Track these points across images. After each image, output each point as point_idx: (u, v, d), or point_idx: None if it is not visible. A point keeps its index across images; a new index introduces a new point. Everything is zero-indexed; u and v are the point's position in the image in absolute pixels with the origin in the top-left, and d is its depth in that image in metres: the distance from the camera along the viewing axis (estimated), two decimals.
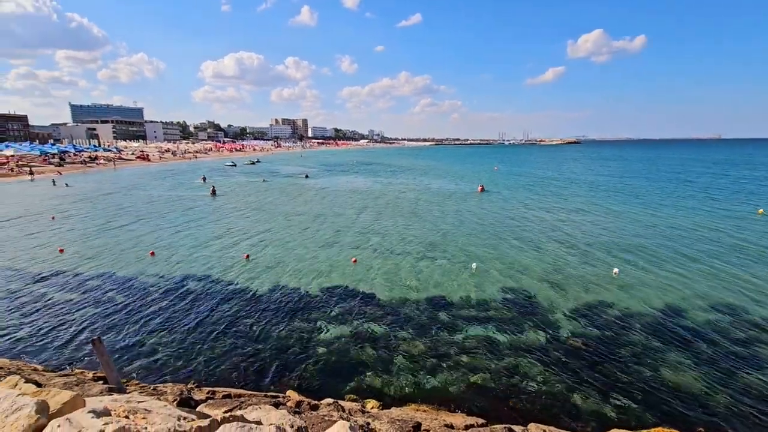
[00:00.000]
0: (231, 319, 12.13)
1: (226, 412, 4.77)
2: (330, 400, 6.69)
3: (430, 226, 24.42)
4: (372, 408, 7.49)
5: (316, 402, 7.19)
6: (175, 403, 5.33)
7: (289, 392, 7.76)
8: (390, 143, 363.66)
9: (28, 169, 60.45)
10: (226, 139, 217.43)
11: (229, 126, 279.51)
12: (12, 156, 64.92)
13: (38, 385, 3.85)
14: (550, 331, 11.48)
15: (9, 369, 8.40)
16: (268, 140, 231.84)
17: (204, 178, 51.78)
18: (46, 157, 73.21)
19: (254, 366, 9.66)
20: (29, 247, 20.03)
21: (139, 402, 4.16)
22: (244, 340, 10.90)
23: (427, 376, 9.30)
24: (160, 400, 5.10)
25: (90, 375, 8.01)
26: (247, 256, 17.91)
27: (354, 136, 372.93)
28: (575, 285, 14.85)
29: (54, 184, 46.60)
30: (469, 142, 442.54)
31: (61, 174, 58.52)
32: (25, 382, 3.18)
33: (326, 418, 5.46)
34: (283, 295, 13.93)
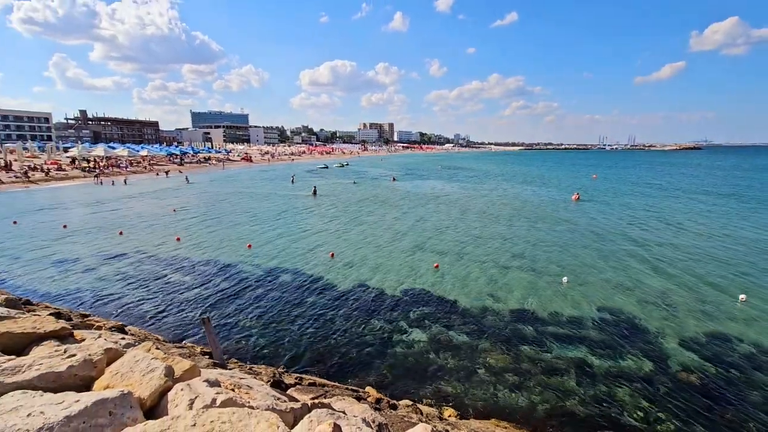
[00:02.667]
0: (316, 311, 12.84)
1: (313, 398, 5.06)
2: (408, 402, 6.72)
3: (518, 234, 23.25)
4: (450, 416, 7.35)
5: (394, 402, 7.28)
6: (269, 383, 5.80)
7: (369, 388, 7.96)
8: (476, 148, 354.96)
9: (165, 169, 70.81)
10: (317, 142, 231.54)
11: (321, 130, 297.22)
12: (145, 156, 76.57)
13: (164, 352, 4.39)
14: (656, 361, 10.17)
15: (140, 337, 9.89)
16: (356, 144, 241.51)
17: (293, 179, 55.62)
18: (171, 157, 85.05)
19: (336, 358, 10.09)
20: (155, 234, 23.45)
21: (241, 378, 4.60)
22: (328, 333, 11.45)
23: (510, 393, 8.85)
24: (257, 379, 5.59)
25: (198, 349, 9.08)
26: (333, 254, 18.81)
27: (439, 141, 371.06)
28: (688, 311, 12.97)
29: (187, 181, 53.58)
30: (563, 146, 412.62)
31: (181, 172, 67.52)
32: (156, 349, 3.71)
33: (405, 418, 5.50)
34: (364, 294, 14.36)
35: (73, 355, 3.34)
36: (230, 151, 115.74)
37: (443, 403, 8.33)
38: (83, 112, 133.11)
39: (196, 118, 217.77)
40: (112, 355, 3.71)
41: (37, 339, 4.09)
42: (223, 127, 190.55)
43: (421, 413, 6.18)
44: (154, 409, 3.00)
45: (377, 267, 17.22)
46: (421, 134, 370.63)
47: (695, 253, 19.27)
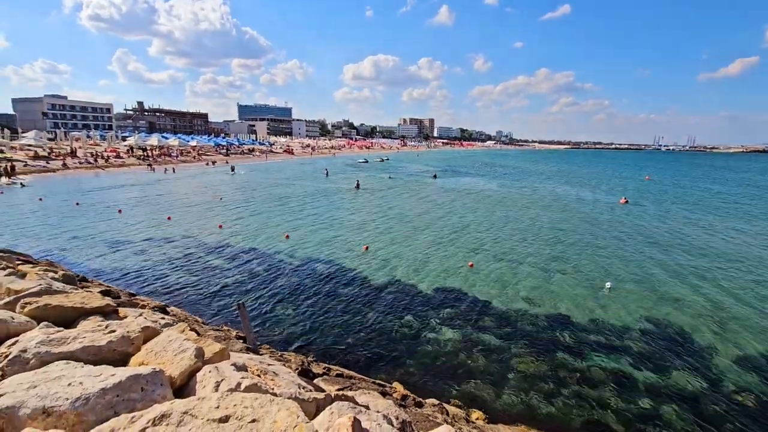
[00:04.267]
0: (348, 303, 12.96)
1: (338, 390, 5.08)
2: (435, 401, 6.62)
3: (559, 236, 22.32)
4: (477, 419, 7.18)
5: (420, 399, 7.20)
6: (296, 372, 5.89)
7: (395, 384, 7.93)
8: (519, 145, 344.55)
9: (212, 159, 74.22)
10: (357, 137, 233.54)
11: (361, 125, 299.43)
12: (195, 146, 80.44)
13: (198, 334, 4.54)
14: (708, 379, 9.43)
15: (179, 317, 10.39)
16: (395, 139, 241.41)
17: (327, 172, 56.32)
18: (218, 148, 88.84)
19: (365, 351, 10.14)
20: (200, 220, 24.60)
21: (269, 365, 4.68)
22: (359, 325, 11.52)
23: (542, 401, 8.51)
24: (285, 366, 5.70)
25: (234, 333, 9.41)
26: (367, 248, 18.90)
27: (480, 137, 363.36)
28: (745, 326, 11.92)
29: (232, 171, 55.85)
30: (613, 146, 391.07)
31: (227, 162, 70.39)
32: (189, 330, 3.84)
33: (430, 417, 5.41)
34: (396, 289, 14.33)
35: (114, 331, 3.51)
36: (273, 144, 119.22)
37: (472, 406, 8.16)
38: (140, 104, 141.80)
39: (243, 111, 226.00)
40: (149, 333, 3.88)
41: (85, 314, 4.36)
42: (268, 120, 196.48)
43: (447, 413, 6.06)
44: (183, 388, 3.10)
45: (411, 262, 17.12)
46: (462, 130, 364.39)
47: (755, 267, 17.67)
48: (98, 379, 2.68)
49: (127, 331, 3.53)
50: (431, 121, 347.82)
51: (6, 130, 61.41)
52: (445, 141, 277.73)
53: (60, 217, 24.39)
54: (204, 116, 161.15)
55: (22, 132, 68.18)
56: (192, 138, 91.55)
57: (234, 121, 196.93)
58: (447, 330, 11.45)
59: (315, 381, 5.72)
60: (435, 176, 57.40)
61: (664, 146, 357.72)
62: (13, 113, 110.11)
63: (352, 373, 7.53)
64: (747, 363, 10.13)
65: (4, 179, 37.73)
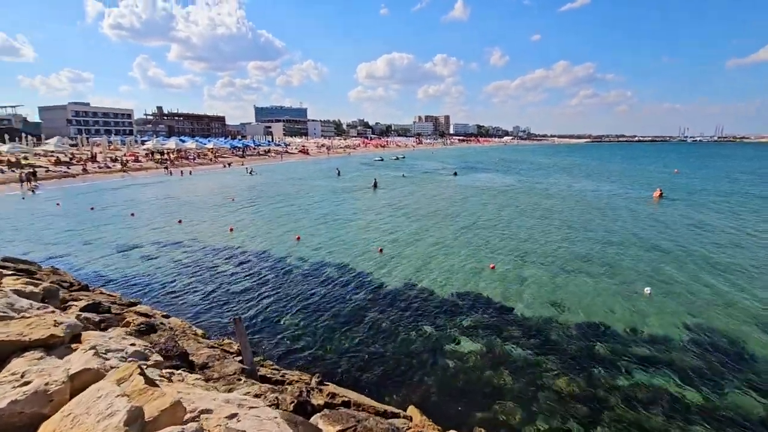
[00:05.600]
0: (360, 312, 12.03)
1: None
2: None
3: (588, 236, 20.88)
4: None
5: (440, 429, 6.22)
6: (292, 405, 4.98)
7: (411, 409, 6.95)
8: (537, 140, 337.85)
9: (228, 161, 74.64)
10: (372, 135, 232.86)
11: (376, 123, 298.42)
12: (211, 148, 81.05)
13: (145, 380, 3.64)
14: None
15: (181, 328, 9.65)
16: (411, 137, 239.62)
17: (338, 172, 55.46)
18: (234, 150, 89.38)
19: (378, 368, 9.18)
20: (211, 223, 24.11)
21: (250, 408, 3.75)
22: (371, 337, 10.58)
23: (580, 426, 7.40)
24: (277, 406, 4.79)
25: (235, 348, 8.58)
26: (381, 250, 17.95)
27: (497, 133, 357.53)
28: None
29: (248, 172, 55.79)
30: (636, 138, 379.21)
31: (243, 164, 70.56)
32: (138, 374, 2.95)
33: None
34: (412, 294, 13.33)
35: (28, 382, 2.64)
36: (288, 144, 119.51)
37: None
38: (160, 108, 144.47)
39: (259, 113, 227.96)
40: (84, 380, 3.01)
41: (22, 348, 3.53)
42: (283, 121, 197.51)
43: None
44: None
45: (427, 265, 16.09)
46: (478, 127, 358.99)
47: None
48: None
49: (46, 383, 2.66)
50: (447, 118, 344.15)
51: (30, 138, 62.96)
52: (461, 138, 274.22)
53: (74, 221, 24.29)
54: (221, 119, 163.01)
55: (46, 139, 69.86)
56: (209, 140, 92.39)
57: (251, 123, 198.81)
58: (468, 342, 10.39)
59: (313, 418, 4.80)
60: (455, 174, 55.80)
61: (690, 137, 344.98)
62: (40, 121, 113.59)
63: (361, 399, 6.59)
64: None
65: (26, 185, 38.33)
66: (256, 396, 4.84)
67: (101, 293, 11.91)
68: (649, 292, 12.96)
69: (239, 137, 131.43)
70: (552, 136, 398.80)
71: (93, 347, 3.73)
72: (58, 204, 30.40)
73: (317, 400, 5.51)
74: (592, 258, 16.93)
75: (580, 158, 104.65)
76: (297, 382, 7.20)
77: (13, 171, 44.11)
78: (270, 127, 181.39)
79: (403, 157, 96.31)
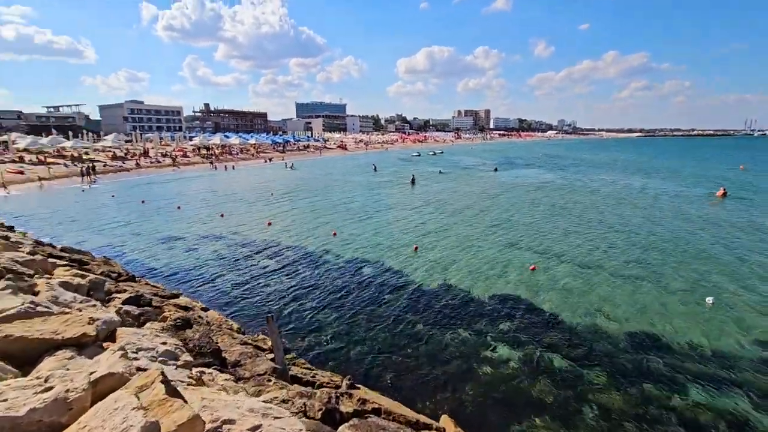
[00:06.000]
0: (394, 312, 11.79)
1: None
2: None
3: (640, 238, 19.47)
4: None
5: None
6: (320, 412, 4.82)
7: (444, 419, 6.64)
8: (583, 134, 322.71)
9: (269, 156, 76.85)
10: (410, 130, 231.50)
11: (414, 118, 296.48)
12: (254, 144, 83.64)
13: (166, 388, 3.53)
14: None
15: (218, 322, 9.85)
16: (449, 132, 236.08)
17: (375, 168, 55.26)
18: (275, 145, 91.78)
19: (410, 372, 8.91)
20: (252, 217, 24.74)
21: (275, 419, 3.60)
22: (404, 339, 10.32)
23: None
24: (305, 413, 4.64)
25: (268, 344, 8.61)
26: (416, 248, 17.61)
27: (540, 127, 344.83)
28: None
29: (288, 167, 57.17)
30: (695, 132, 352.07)
31: (283, 159, 72.27)
32: (160, 381, 2.84)
33: None
34: (447, 295, 12.92)
35: (50, 388, 2.59)
36: (327, 140, 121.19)
37: None
38: (207, 106, 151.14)
39: (300, 109, 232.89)
40: (108, 385, 2.95)
41: (55, 347, 3.56)
42: (323, 116, 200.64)
43: None
44: None
45: (464, 265, 15.58)
46: (520, 121, 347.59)
47: None
48: None
49: (67, 389, 2.59)
50: (487, 112, 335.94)
51: (91, 134, 67.69)
52: (501, 132, 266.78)
53: (126, 213, 25.75)
54: (263, 115, 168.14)
55: (104, 135, 74.89)
56: (251, 136, 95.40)
57: (291, 119, 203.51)
58: (506, 348, 9.89)
59: (341, 429, 4.62)
60: (495, 169, 54.21)
61: (759, 131, 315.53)
62: (99, 119, 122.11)
63: (392, 406, 6.35)
64: None
65: (86, 179, 41.20)
66: (284, 401, 4.71)
67: (146, 284, 12.43)
68: (711, 302, 11.80)
69: (280, 133, 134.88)
70: (599, 130, 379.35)
71: (122, 348, 3.69)
72: (113, 196, 32.41)
73: (346, 407, 5.33)
74: (645, 262, 15.72)
75: (631, 153, 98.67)
76: (328, 384, 7.08)
77: (75, 165, 47.56)
78: (310, 122, 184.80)
79: (441, 153, 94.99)
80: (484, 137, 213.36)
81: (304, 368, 8.02)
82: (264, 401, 4.37)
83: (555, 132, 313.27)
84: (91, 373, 3.07)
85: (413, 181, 39.74)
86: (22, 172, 41.60)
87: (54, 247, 14.34)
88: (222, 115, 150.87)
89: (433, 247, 18.03)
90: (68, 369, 3.19)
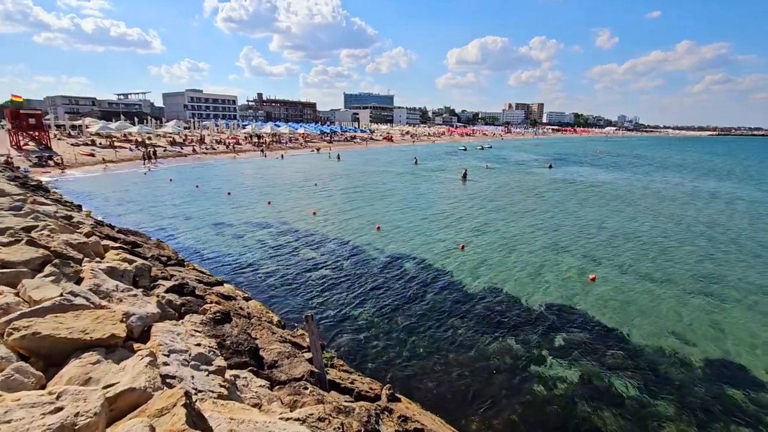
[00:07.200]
0: (437, 315, 11.19)
1: None
2: None
3: (718, 249, 17.42)
4: None
5: None
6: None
7: None
8: (647, 131, 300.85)
9: (317, 146, 78.16)
10: (458, 123, 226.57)
11: (463, 111, 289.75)
12: (302, 133, 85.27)
13: (187, 413, 3.18)
14: None
15: (259, 315, 9.75)
16: (499, 126, 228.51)
17: (416, 160, 54.05)
18: (322, 136, 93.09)
19: (453, 383, 8.30)
20: (297, 206, 24.95)
21: None
22: (447, 345, 9.70)
23: None
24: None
25: (306, 342, 8.34)
26: (463, 247, 16.80)
27: (598, 123, 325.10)
28: None
29: (332, 158, 57.90)
30: None
31: (330, 149, 73.06)
32: (182, 405, 2.47)
33: None
34: (495, 300, 12.10)
35: (60, 409, 2.27)
36: (373, 131, 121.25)
37: None
38: (260, 95, 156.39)
39: (348, 99, 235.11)
40: (127, 402, 2.63)
41: (83, 347, 3.32)
42: (370, 108, 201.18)
43: None
44: None
45: (514, 269, 14.61)
46: (576, 115, 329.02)
47: None
48: None
49: (78, 412, 2.27)
50: (540, 105, 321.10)
51: (154, 120, 71.96)
52: (555, 127, 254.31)
53: (181, 197, 26.90)
54: (312, 105, 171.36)
55: (166, 122, 79.42)
56: (300, 126, 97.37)
57: (339, 109, 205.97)
58: (560, 365, 8.99)
59: None
60: (550, 166, 51.26)
61: None
62: (162, 106, 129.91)
63: (434, 424, 5.81)
64: None
65: (148, 163, 43.76)
66: (320, 420, 4.30)
67: (193, 268, 12.66)
68: None
69: (328, 123, 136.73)
70: (666, 127, 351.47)
71: (151, 353, 3.40)
72: (170, 180, 34.10)
73: (387, 426, 4.85)
74: (723, 279, 13.95)
75: (703, 153, 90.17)
76: (367, 392, 6.66)
77: (139, 149, 50.72)
78: (357, 113, 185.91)
79: (490, 147, 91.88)
80: (535, 132, 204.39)
81: (343, 371, 7.66)
82: (298, 419, 3.98)
83: (614, 128, 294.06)
84: (110, 386, 2.77)
85: (465, 176, 38.41)
86: (93, 155, 44.94)
87: (112, 228, 15.05)
88: (273, 104, 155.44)
89: (480, 246, 17.14)
90: (89, 377, 2.92)
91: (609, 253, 16.55)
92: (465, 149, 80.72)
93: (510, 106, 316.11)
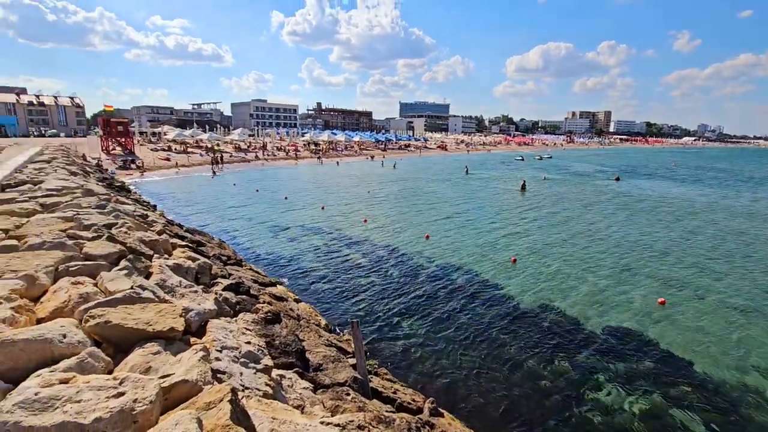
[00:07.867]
0: (485, 329, 10.81)
1: None
2: None
3: None
4: None
5: None
6: None
7: None
8: (732, 142, 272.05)
9: (371, 153, 79.69)
10: (516, 132, 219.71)
11: (521, 120, 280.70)
12: (357, 141, 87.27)
13: (232, 410, 3.29)
14: None
15: (308, 317, 10.04)
16: (560, 135, 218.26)
17: (467, 170, 52.87)
18: (377, 144, 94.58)
19: (500, 402, 7.94)
20: (350, 212, 25.48)
21: None
22: (495, 363, 9.33)
23: None
24: None
25: (351, 347, 8.43)
26: (515, 260, 16.16)
27: (674, 132, 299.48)
28: None
29: (387, 166, 58.82)
30: None
31: (384, 157, 74.01)
32: (228, 401, 2.59)
33: None
34: (548, 318, 11.46)
35: (122, 394, 2.47)
36: (428, 140, 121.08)
37: None
38: (319, 104, 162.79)
39: (404, 108, 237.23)
40: (180, 393, 2.81)
41: (146, 338, 3.61)
42: (425, 116, 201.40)
43: None
44: None
45: (572, 287, 13.77)
46: (648, 125, 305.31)
47: None
48: None
49: (136, 398, 2.45)
50: (607, 113, 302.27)
51: (222, 128, 77.40)
52: (624, 137, 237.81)
53: (242, 200, 28.59)
54: (369, 114, 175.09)
55: (233, 130, 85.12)
56: (356, 134, 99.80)
57: (395, 118, 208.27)
58: (620, 394, 8.28)
59: None
60: (617, 179, 47.77)
61: None
62: (231, 115, 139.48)
63: None
64: None
65: (215, 167, 47.06)
66: (360, 428, 4.30)
67: (250, 269, 13.34)
68: None
69: (383, 131, 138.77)
70: (757, 138, 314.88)
71: (205, 348, 3.61)
72: (234, 184, 36.37)
73: None
74: None
75: None
76: (409, 404, 6.57)
77: (209, 155, 54.73)
78: (412, 122, 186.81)
79: (549, 157, 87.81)
80: (601, 142, 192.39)
81: (386, 379, 7.64)
82: (338, 425, 4.01)
83: (694, 138, 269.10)
84: (166, 377, 2.97)
85: (523, 187, 37.04)
86: (168, 159, 49.24)
87: (181, 227, 16.33)
88: (331, 113, 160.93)
89: (535, 261, 16.38)
90: (150, 366, 3.16)
91: (680, 275, 15.06)
92: (522, 159, 77.94)
93: (573, 114, 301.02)
